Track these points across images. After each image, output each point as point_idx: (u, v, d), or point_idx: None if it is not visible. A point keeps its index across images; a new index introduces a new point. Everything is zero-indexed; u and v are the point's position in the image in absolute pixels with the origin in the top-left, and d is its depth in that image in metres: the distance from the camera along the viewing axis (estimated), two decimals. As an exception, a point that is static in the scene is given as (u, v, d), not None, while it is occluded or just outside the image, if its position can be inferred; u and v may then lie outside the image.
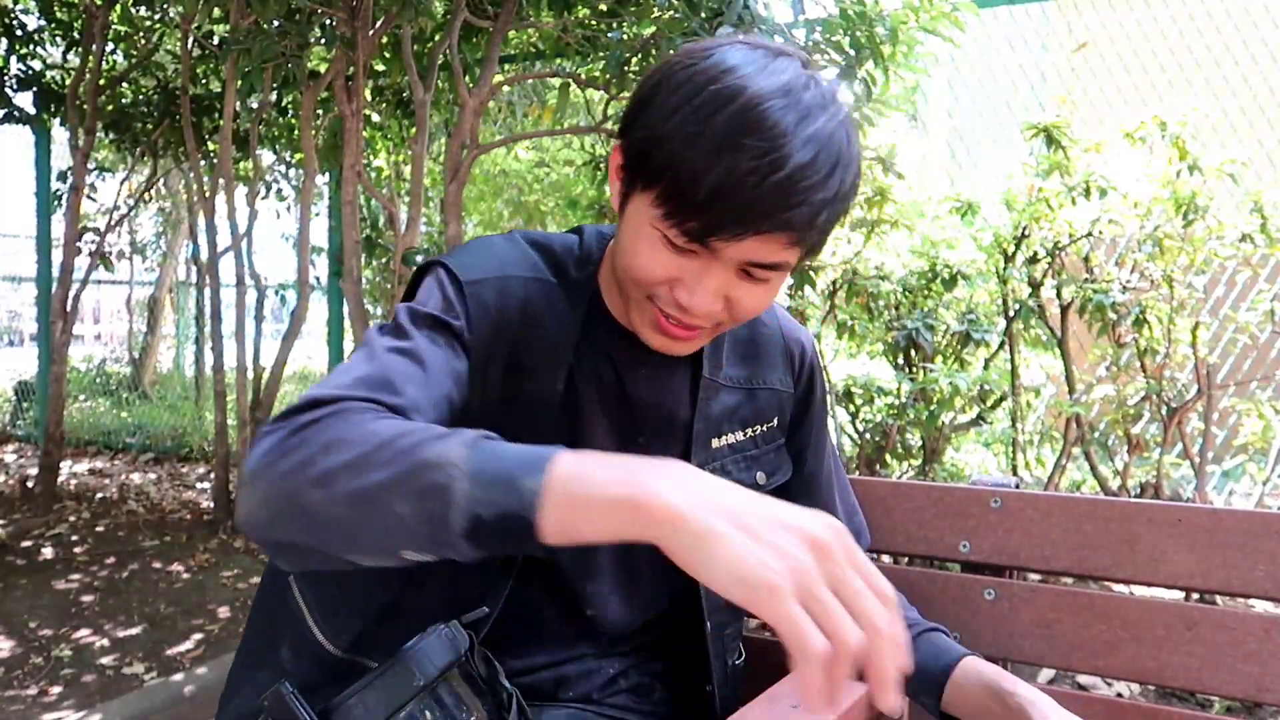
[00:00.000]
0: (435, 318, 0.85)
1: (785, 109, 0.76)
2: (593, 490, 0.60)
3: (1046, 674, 2.44)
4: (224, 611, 3.13)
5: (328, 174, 5.09)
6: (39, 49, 4.88)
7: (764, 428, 1.04)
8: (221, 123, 3.97)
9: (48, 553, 3.75)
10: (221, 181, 4.13)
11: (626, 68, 2.99)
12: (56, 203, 5.55)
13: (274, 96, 4.35)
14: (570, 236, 0.99)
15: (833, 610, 0.54)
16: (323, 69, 3.71)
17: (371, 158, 5.06)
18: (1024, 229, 2.73)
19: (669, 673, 1.04)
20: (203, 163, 4.77)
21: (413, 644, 0.76)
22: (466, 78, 3.29)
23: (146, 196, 6.33)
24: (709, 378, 0.99)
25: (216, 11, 3.66)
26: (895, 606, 0.57)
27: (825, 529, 0.58)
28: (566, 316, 0.92)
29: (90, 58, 4.38)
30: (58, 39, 4.91)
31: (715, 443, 1.00)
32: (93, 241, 4.83)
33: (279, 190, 5.79)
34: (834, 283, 2.88)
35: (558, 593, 0.96)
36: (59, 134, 5.79)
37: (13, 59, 4.77)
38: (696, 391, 0.98)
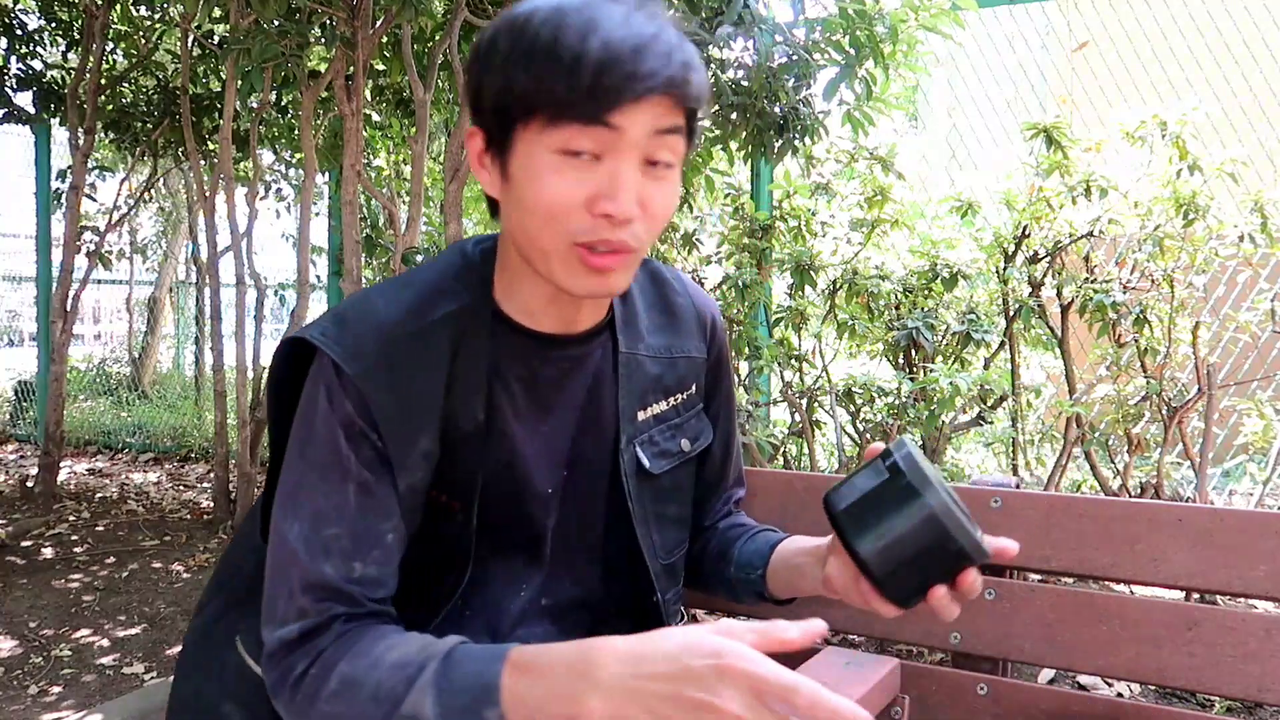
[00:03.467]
0: (351, 448, 0.88)
1: (600, 3, 0.81)
2: (540, 713, 0.74)
3: (1047, 674, 2.44)
4: (224, 611, 3.13)
5: (328, 174, 5.09)
6: (39, 49, 4.88)
7: (685, 395, 1.07)
8: (221, 122, 3.97)
9: (48, 553, 3.75)
10: (221, 181, 4.12)
11: (626, 67, 2.98)
12: (56, 203, 5.55)
13: (274, 96, 4.34)
14: (450, 258, 0.97)
15: None
16: (323, 69, 3.70)
17: (371, 157, 5.06)
18: (1024, 229, 2.73)
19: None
20: (203, 163, 4.77)
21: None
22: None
23: (146, 196, 6.33)
24: (627, 351, 1.00)
25: (216, 11, 3.66)
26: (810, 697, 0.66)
27: (730, 692, 0.68)
28: (471, 345, 0.92)
29: (90, 57, 4.38)
30: (58, 39, 4.91)
31: (641, 415, 1.02)
32: (92, 241, 4.83)
33: (279, 190, 5.79)
34: (834, 283, 2.88)
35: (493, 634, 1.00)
36: (59, 134, 5.79)
37: (13, 59, 4.77)
38: (617, 369, 0.99)
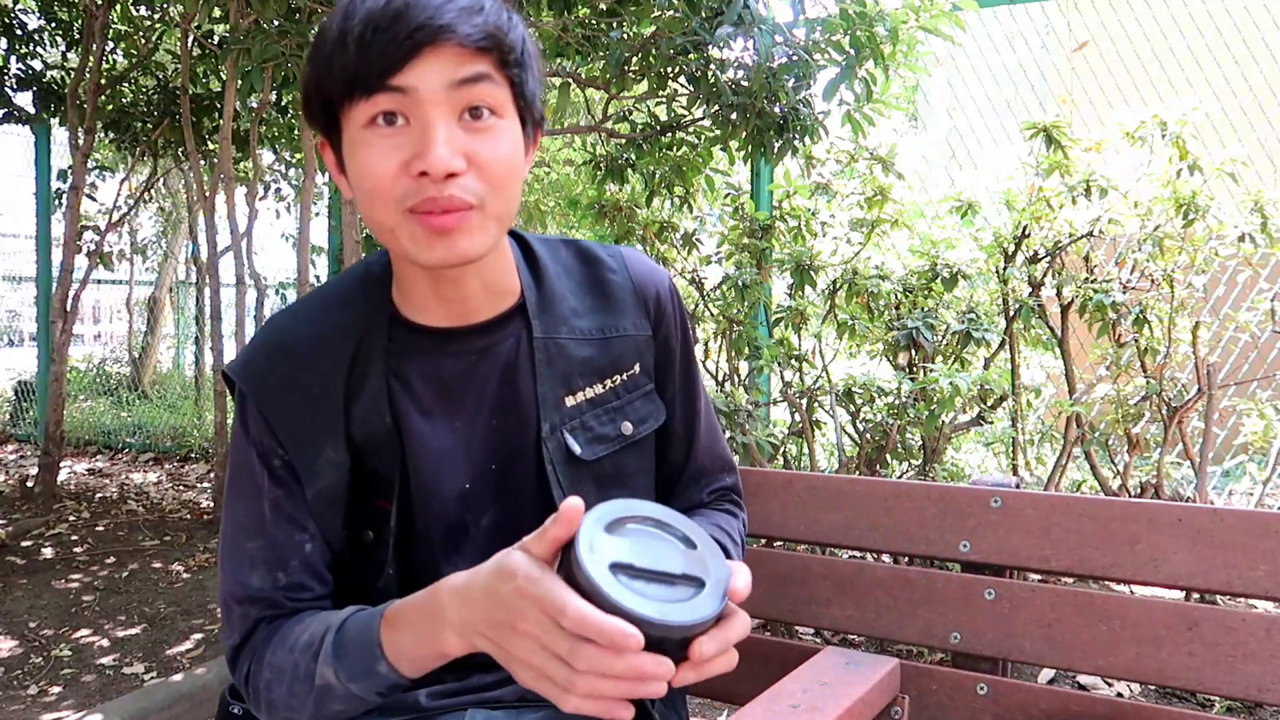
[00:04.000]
0: (263, 466, 0.93)
1: None
2: (416, 656, 0.82)
3: (1047, 674, 2.44)
4: (224, 611, 3.13)
5: (328, 174, 5.09)
6: (39, 49, 4.88)
7: (624, 376, 1.03)
8: (221, 122, 3.97)
9: (48, 553, 3.75)
10: (221, 181, 4.13)
11: (626, 67, 2.99)
12: (57, 202, 5.55)
13: (274, 96, 4.34)
14: (354, 270, 1.00)
15: (577, 680, 0.70)
16: (323, 69, 3.70)
17: (371, 157, 5.05)
18: (1024, 228, 2.73)
19: None
20: (203, 162, 4.77)
21: None
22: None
23: (146, 196, 6.33)
24: (544, 336, 0.98)
25: (216, 11, 3.66)
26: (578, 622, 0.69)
27: (527, 611, 0.72)
28: (369, 349, 0.94)
29: (90, 57, 4.38)
30: (58, 39, 4.91)
31: (570, 400, 0.99)
32: (93, 240, 4.83)
33: (279, 190, 5.79)
34: (834, 283, 2.87)
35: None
36: (59, 134, 5.79)
37: (13, 59, 4.77)
38: (533, 354, 0.98)
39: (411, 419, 0.95)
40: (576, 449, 0.99)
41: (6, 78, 4.75)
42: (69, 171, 4.64)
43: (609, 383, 1.02)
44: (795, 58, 2.75)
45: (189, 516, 4.37)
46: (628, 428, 1.03)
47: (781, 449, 2.94)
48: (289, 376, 0.93)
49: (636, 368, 1.04)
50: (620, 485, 1.04)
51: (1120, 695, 2.35)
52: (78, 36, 4.66)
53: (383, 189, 0.83)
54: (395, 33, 0.80)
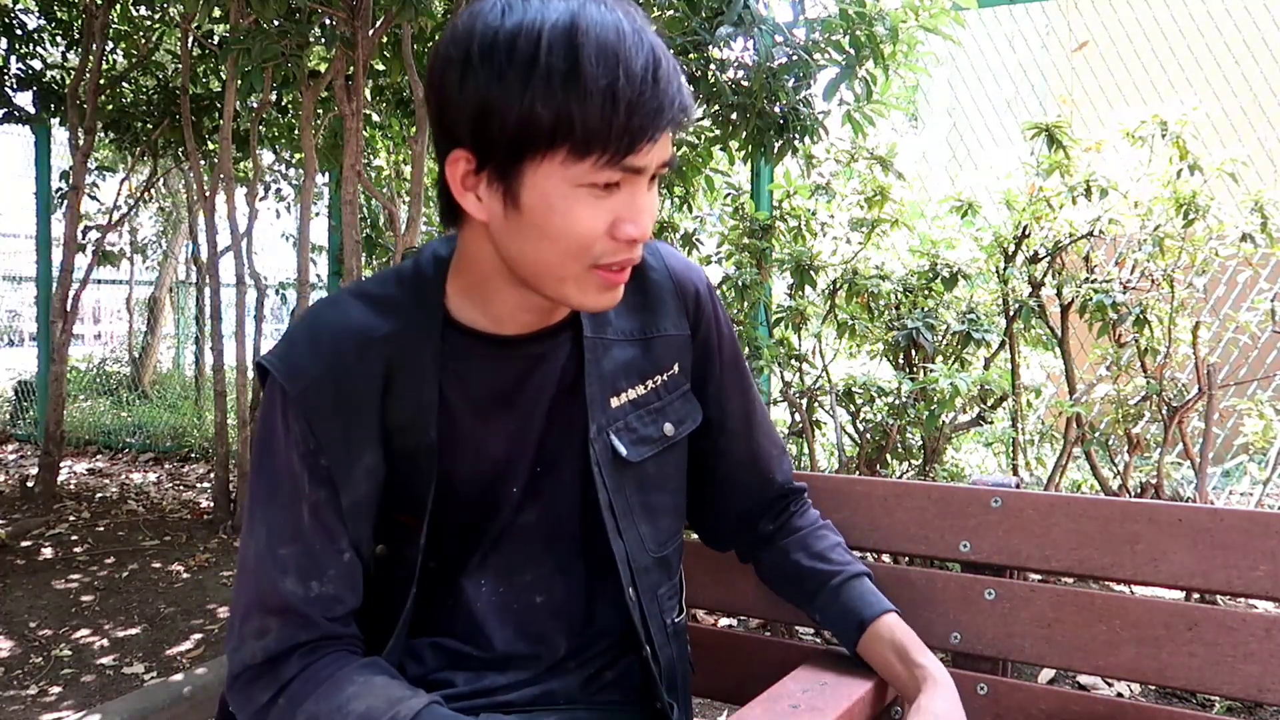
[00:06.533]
0: (304, 468, 0.88)
1: (602, 12, 0.79)
2: None
3: (1047, 674, 2.44)
4: (224, 611, 3.13)
5: (328, 174, 5.09)
6: (39, 49, 4.88)
7: (664, 377, 1.02)
8: (221, 122, 3.97)
9: (48, 553, 3.75)
10: (221, 181, 4.13)
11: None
12: (57, 202, 5.55)
13: (274, 96, 4.34)
14: (403, 268, 0.96)
15: None
16: (323, 69, 3.70)
17: (371, 157, 5.06)
18: (1024, 228, 2.73)
19: (611, 649, 1.04)
20: (203, 162, 4.77)
21: None
22: (466, 77, 3.28)
23: (146, 196, 6.33)
24: (594, 337, 0.97)
25: (216, 11, 3.66)
26: None
27: None
28: (415, 358, 0.91)
29: (90, 57, 4.38)
30: (58, 39, 4.91)
31: (615, 401, 0.98)
32: (94, 240, 4.83)
33: (279, 190, 5.79)
34: (834, 283, 2.87)
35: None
36: (59, 134, 5.80)
37: (13, 59, 4.77)
38: (582, 356, 0.96)
39: (464, 427, 0.93)
40: (623, 450, 0.98)
41: (6, 78, 4.75)
42: (69, 171, 4.64)
43: (650, 383, 1.01)
44: (795, 58, 2.75)
45: (189, 516, 4.37)
46: (669, 429, 1.02)
47: (781, 449, 2.94)
48: (331, 377, 0.89)
49: (676, 368, 1.03)
50: (660, 489, 1.03)
51: (1120, 695, 2.35)
52: (78, 36, 4.66)
53: (585, 246, 0.82)
54: (658, 107, 0.79)
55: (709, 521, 1.16)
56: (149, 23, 4.85)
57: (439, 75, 0.82)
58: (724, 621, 2.73)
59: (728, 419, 1.09)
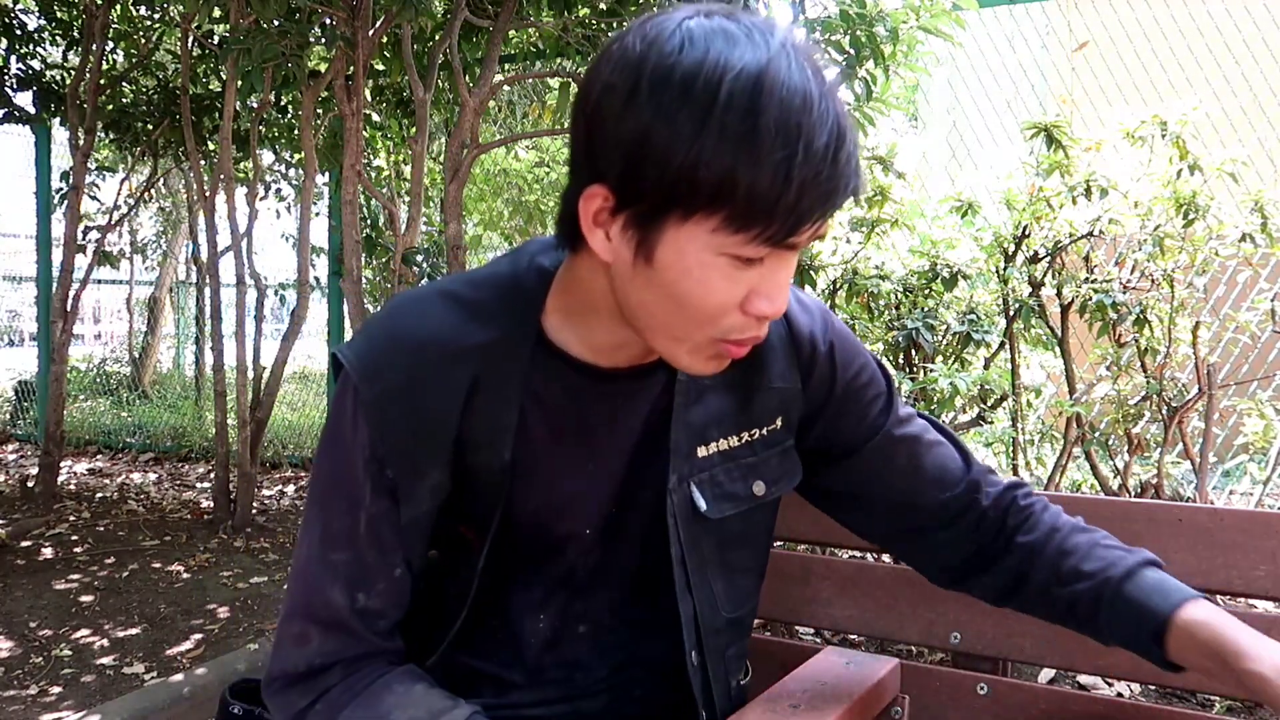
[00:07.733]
0: (367, 475, 0.84)
1: (792, 71, 0.70)
2: None
3: (1047, 674, 2.44)
4: (224, 611, 3.13)
5: (328, 174, 5.09)
6: (39, 49, 4.88)
7: (764, 431, 0.94)
8: (221, 122, 3.97)
9: (48, 553, 3.75)
10: (221, 181, 4.13)
11: (626, 67, 2.98)
12: (57, 202, 5.55)
13: (274, 96, 4.35)
14: (499, 271, 0.88)
15: None
16: (323, 69, 3.71)
17: (371, 157, 5.06)
18: (1024, 228, 2.73)
19: (652, 693, 1.00)
20: (203, 162, 4.77)
21: None
22: (466, 77, 3.29)
23: (146, 196, 6.33)
24: (687, 380, 0.89)
25: (216, 11, 3.66)
26: None
27: None
28: (501, 377, 0.84)
29: (90, 57, 4.38)
30: (58, 39, 4.92)
31: (702, 451, 0.91)
32: (95, 240, 4.83)
33: (279, 190, 5.79)
34: (834, 283, 2.87)
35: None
36: (59, 134, 5.79)
37: (13, 59, 4.77)
38: (672, 399, 0.89)
39: (540, 456, 0.87)
40: (702, 505, 0.91)
41: (6, 78, 4.75)
42: (69, 171, 4.64)
43: (746, 435, 0.93)
44: (795, 58, 2.75)
45: (189, 516, 4.37)
46: (759, 487, 0.94)
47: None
48: (409, 386, 0.82)
49: (779, 422, 0.94)
50: (744, 546, 0.96)
51: (1120, 695, 2.35)
52: (78, 36, 4.66)
53: (716, 316, 0.75)
54: (832, 190, 0.71)
55: (923, 551, 1.02)
56: (149, 23, 4.85)
57: (594, 101, 0.73)
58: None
59: (922, 452, 0.99)
